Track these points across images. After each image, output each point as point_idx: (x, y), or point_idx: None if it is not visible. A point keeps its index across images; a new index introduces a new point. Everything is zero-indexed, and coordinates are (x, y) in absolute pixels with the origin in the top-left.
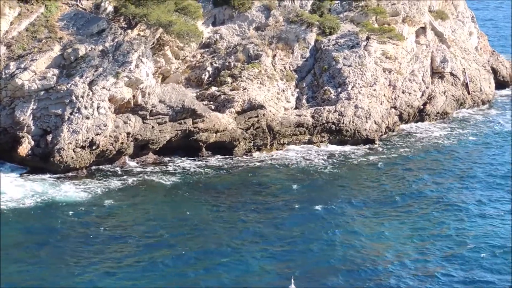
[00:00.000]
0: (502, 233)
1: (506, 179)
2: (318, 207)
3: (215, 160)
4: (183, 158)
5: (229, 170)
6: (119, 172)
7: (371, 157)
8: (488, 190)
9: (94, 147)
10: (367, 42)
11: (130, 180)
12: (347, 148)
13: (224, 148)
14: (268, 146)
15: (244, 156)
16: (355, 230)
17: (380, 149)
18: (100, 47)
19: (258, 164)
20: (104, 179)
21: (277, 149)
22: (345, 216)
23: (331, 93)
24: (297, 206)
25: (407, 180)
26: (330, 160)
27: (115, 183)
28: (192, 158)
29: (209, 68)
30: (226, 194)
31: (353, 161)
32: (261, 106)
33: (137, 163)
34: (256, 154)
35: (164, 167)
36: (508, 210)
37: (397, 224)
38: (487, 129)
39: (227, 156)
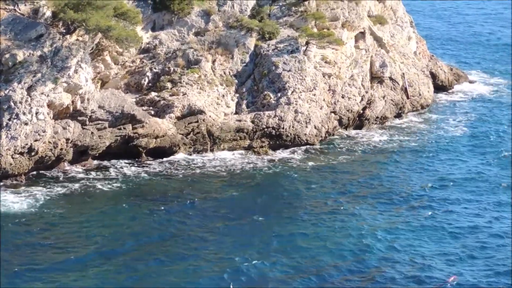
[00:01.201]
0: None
1: (443, 181)
2: (257, 211)
3: (155, 165)
4: (124, 163)
5: (169, 176)
6: (61, 179)
7: (310, 162)
8: (417, 199)
9: (33, 153)
10: (307, 47)
11: (72, 186)
12: (287, 153)
13: (164, 153)
14: (208, 152)
15: (184, 162)
16: (295, 233)
17: (320, 153)
18: (39, 53)
19: (198, 169)
20: (46, 186)
21: (217, 154)
22: (285, 219)
23: (271, 98)
24: (236, 211)
25: (345, 183)
26: (269, 164)
27: (56, 190)
28: (133, 163)
29: (149, 74)
30: (167, 200)
31: (292, 165)
32: (201, 111)
33: (78, 168)
34: (196, 159)
35: (106, 172)
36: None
37: (336, 226)
38: (427, 134)
39: (168, 161)
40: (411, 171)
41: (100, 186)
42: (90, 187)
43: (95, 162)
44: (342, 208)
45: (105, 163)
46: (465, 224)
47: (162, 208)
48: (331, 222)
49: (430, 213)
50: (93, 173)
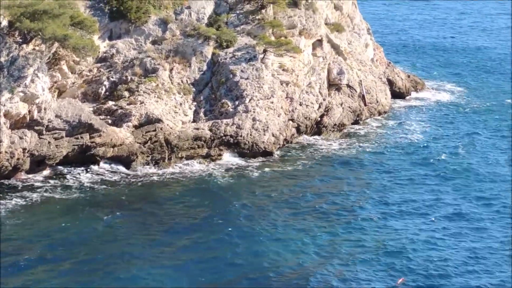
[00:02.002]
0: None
1: (401, 187)
2: (216, 219)
3: (113, 175)
4: (82, 172)
5: (127, 185)
6: (19, 188)
7: (267, 169)
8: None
9: None
10: (264, 55)
11: (29, 196)
12: (244, 161)
13: (122, 162)
14: (166, 160)
15: (142, 170)
16: (254, 238)
17: (277, 161)
18: None
19: (156, 178)
20: (4, 196)
21: (175, 163)
22: (243, 225)
23: (228, 106)
24: (194, 219)
25: (301, 190)
26: (227, 173)
27: (15, 201)
28: (91, 172)
29: (106, 83)
30: (124, 209)
31: (249, 173)
32: (159, 120)
33: (36, 177)
34: (154, 168)
35: (64, 180)
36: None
37: (293, 231)
38: (385, 140)
39: (125, 171)
40: (362, 180)
41: (59, 196)
42: (48, 197)
43: (48, 171)
44: (281, 218)
45: (62, 169)
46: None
47: (117, 218)
48: (271, 231)
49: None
50: (52, 181)
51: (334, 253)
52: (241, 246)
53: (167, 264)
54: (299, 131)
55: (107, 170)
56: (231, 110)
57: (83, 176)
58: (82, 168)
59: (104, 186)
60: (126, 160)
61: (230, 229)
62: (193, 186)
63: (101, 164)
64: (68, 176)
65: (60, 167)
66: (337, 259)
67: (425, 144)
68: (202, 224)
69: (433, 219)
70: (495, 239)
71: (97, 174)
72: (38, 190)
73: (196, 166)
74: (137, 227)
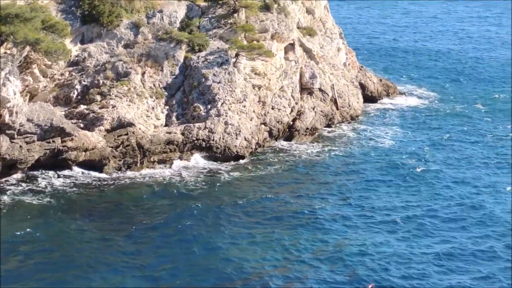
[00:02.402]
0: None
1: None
2: (181, 222)
3: (85, 178)
4: (53, 176)
5: (99, 189)
6: None
7: (238, 173)
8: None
9: None
10: (237, 59)
11: (2, 201)
12: (216, 164)
13: (94, 166)
14: (138, 164)
15: (114, 174)
16: (217, 241)
17: (249, 165)
18: None
19: (128, 182)
20: None
21: (147, 167)
22: (208, 229)
23: (201, 110)
24: (159, 222)
25: (268, 193)
26: (199, 177)
27: None
28: (63, 176)
29: (78, 86)
30: (95, 215)
31: (221, 177)
32: (131, 124)
33: (7, 180)
34: (126, 172)
35: (36, 183)
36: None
37: (258, 234)
38: (355, 144)
39: (98, 175)
40: (328, 185)
41: (31, 200)
42: (19, 201)
43: (20, 175)
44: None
45: (34, 173)
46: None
47: (85, 222)
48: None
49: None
50: (24, 185)
51: (298, 255)
52: (203, 249)
53: (128, 267)
54: (271, 135)
55: (79, 174)
56: (203, 114)
57: (55, 180)
58: (54, 172)
59: (75, 189)
60: (98, 164)
61: (195, 233)
62: (162, 190)
63: (73, 168)
64: (39, 179)
65: (32, 172)
66: (301, 262)
67: (394, 149)
68: (166, 228)
69: (398, 220)
70: (458, 240)
71: (69, 177)
72: (8, 193)
73: (167, 170)
74: (103, 231)
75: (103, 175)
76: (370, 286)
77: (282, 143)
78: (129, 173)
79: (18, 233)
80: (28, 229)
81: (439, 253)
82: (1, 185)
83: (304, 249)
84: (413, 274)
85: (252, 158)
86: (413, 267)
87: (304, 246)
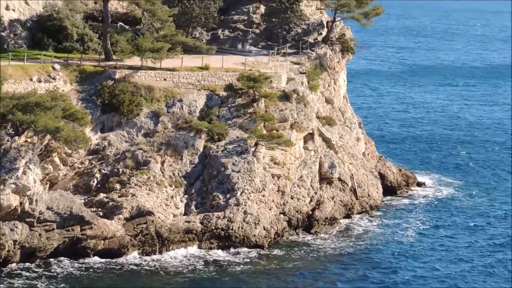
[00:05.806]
0: None
1: None
2: None
3: (102, 265)
4: (69, 262)
5: (116, 277)
6: (4, 272)
7: (256, 266)
8: None
9: None
10: (256, 148)
11: (13, 283)
12: (234, 255)
13: (113, 255)
14: (157, 253)
15: (132, 260)
16: None
17: (266, 256)
18: None
19: (145, 270)
20: None
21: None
22: None
23: (220, 199)
24: None
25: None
26: (215, 267)
27: None
28: (78, 262)
29: (98, 175)
30: None
31: (238, 268)
32: (150, 213)
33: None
34: (144, 259)
35: (51, 270)
36: None
37: None
38: (375, 237)
39: (115, 262)
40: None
41: (41, 285)
42: (32, 285)
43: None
44: None
45: (51, 261)
46: None
47: None
48: None
49: None
50: (39, 270)
51: None
52: None
53: None
54: (290, 224)
55: (97, 262)
56: (222, 203)
57: (71, 268)
58: (70, 259)
59: (89, 273)
60: (117, 253)
61: None
62: (176, 278)
63: (92, 257)
64: (54, 266)
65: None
66: None
67: (416, 244)
68: None
69: None
70: None
71: (85, 265)
72: (23, 277)
73: (186, 258)
74: None
75: (121, 263)
76: None
77: (303, 235)
78: (147, 261)
79: None
80: None
81: None
82: (17, 271)
83: None
84: None
85: (269, 248)
86: None
87: None
